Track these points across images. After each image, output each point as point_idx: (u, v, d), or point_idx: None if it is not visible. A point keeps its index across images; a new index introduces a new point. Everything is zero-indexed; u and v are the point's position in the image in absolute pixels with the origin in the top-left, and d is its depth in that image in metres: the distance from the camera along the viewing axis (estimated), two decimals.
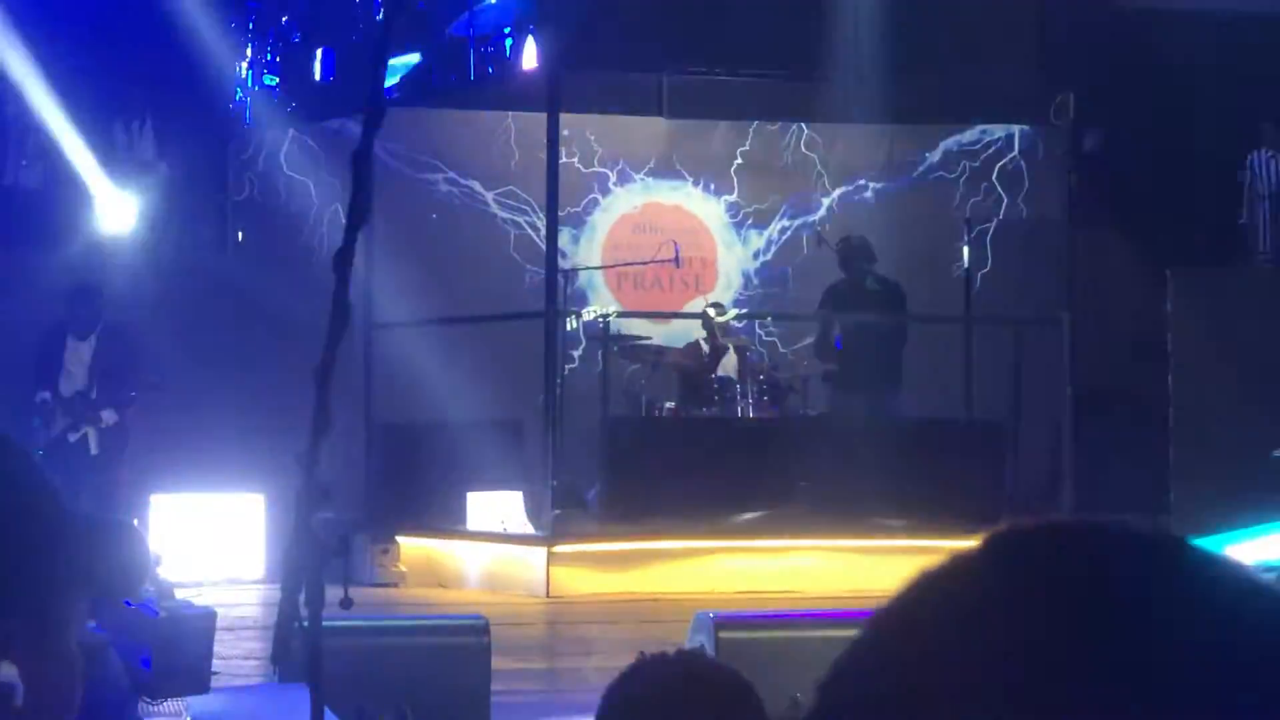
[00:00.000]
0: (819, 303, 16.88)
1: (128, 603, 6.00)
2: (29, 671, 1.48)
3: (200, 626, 8.49)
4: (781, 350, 17.40)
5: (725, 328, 16.44)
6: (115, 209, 16.75)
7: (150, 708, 7.52)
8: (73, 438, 14.45)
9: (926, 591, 0.96)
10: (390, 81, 15.61)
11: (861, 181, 18.08)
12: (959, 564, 0.97)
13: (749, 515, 15.19)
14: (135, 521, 14.27)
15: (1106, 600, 0.91)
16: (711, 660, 2.91)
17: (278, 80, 17.70)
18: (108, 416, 14.54)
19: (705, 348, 16.33)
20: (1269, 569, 15.38)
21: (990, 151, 17.65)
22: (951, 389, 17.03)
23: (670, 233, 17.48)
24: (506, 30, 15.56)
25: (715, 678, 2.88)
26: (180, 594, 14.15)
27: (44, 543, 1.52)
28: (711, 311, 16.55)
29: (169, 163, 17.15)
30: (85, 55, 16.69)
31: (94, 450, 14.50)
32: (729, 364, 16.18)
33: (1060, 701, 0.89)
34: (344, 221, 3.38)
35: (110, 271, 15.28)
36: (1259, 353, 15.85)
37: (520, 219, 17.56)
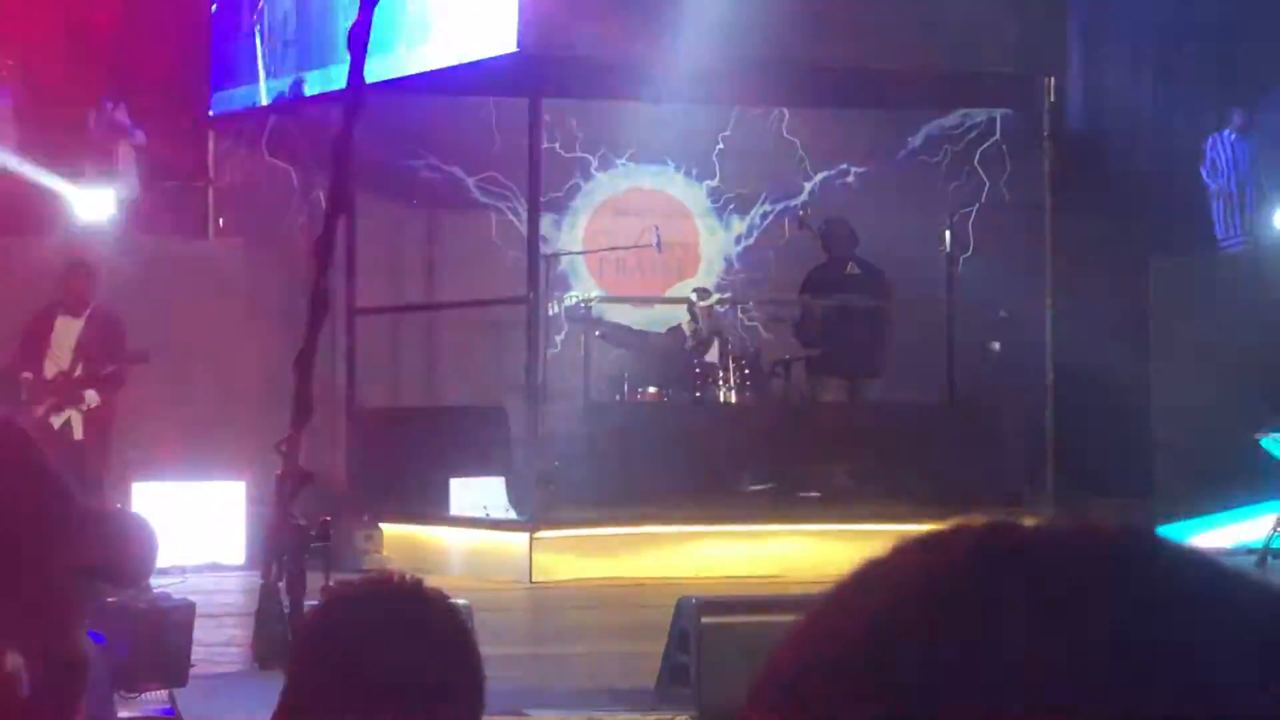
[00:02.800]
0: (800, 287, 16.89)
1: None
2: (35, 660, 1.48)
3: (179, 619, 8.46)
4: (764, 335, 17.41)
5: (709, 313, 16.45)
6: (95, 194, 16.71)
7: (129, 698, 7.50)
8: (56, 422, 14.40)
9: (861, 586, 0.95)
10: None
11: (844, 166, 18.08)
12: (897, 559, 0.96)
13: (733, 500, 15.20)
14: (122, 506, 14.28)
15: (1053, 605, 0.91)
16: (408, 581, 2.74)
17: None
18: (90, 397, 14.50)
19: (688, 332, 16.34)
20: (1251, 550, 15.41)
21: (972, 136, 17.65)
22: (934, 373, 17.04)
23: (652, 218, 17.47)
24: None
25: (413, 598, 2.73)
26: (160, 582, 14.17)
27: (49, 529, 1.51)
28: (694, 296, 16.56)
29: (147, 139, 17.08)
30: (62, 40, 16.64)
31: (78, 435, 14.47)
32: (711, 349, 16.19)
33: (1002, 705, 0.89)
34: (325, 208, 3.38)
35: (91, 255, 15.25)
36: (1239, 337, 15.87)
37: (502, 204, 17.55)
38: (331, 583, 2.89)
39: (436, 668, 2.56)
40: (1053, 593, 0.91)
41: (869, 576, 0.95)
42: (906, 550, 0.96)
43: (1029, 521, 0.98)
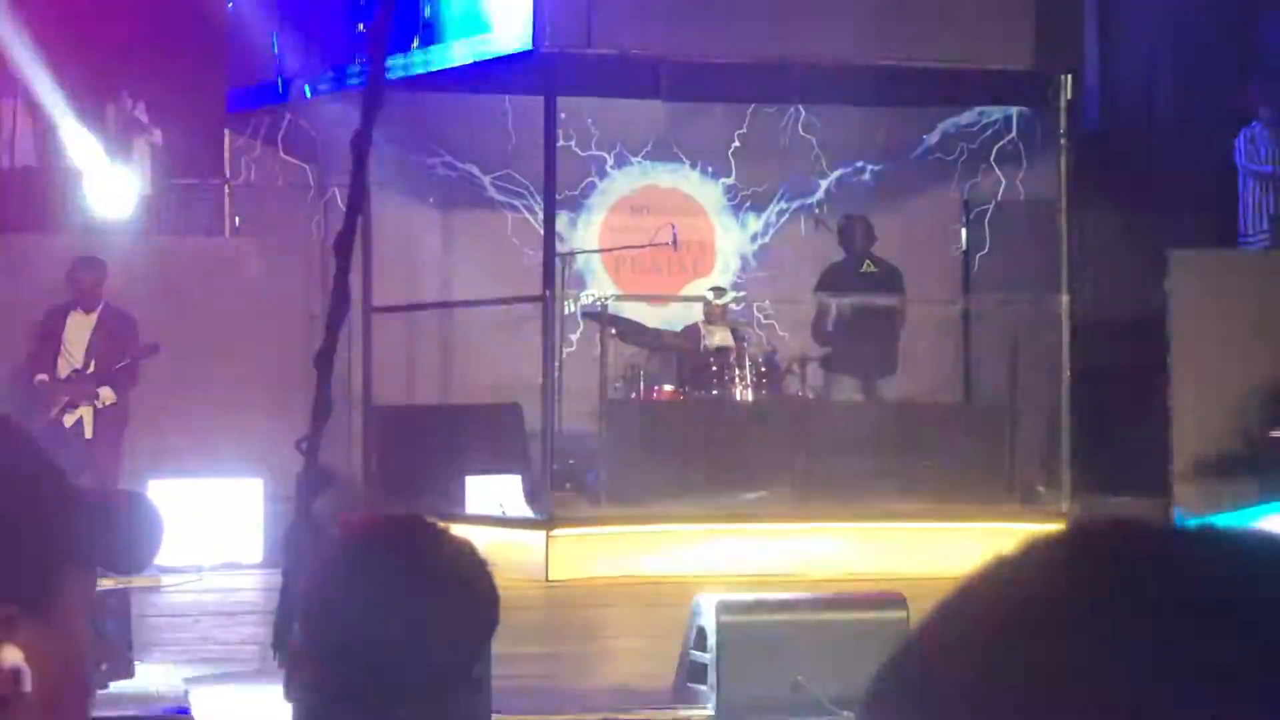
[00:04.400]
0: (816, 285, 16.87)
1: None
2: (36, 654, 1.47)
3: (115, 608, 8.38)
4: (780, 333, 17.39)
5: (724, 311, 16.44)
6: (112, 190, 16.72)
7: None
8: (68, 420, 14.41)
9: (995, 580, 0.94)
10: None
11: (859, 164, 18.06)
12: (1031, 556, 0.95)
13: (749, 498, 15.19)
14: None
15: (1192, 602, 0.89)
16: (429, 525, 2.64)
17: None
18: (105, 394, 14.50)
19: (704, 330, 16.33)
20: None
21: (988, 133, 17.62)
22: (950, 371, 17.02)
23: (668, 216, 17.45)
24: None
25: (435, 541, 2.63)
26: (175, 581, 14.19)
27: (43, 520, 1.50)
28: (710, 295, 16.55)
29: (164, 136, 17.10)
30: (80, 35, 16.65)
31: (89, 434, 14.46)
32: (727, 347, 16.17)
33: (1133, 704, 0.87)
34: (343, 206, 3.36)
35: (108, 253, 15.27)
36: (1258, 333, 15.83)
37: (518, 202, 17.55)
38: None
39: (447, 626, 2.50)
40: (1188, 596, 0.90)
41: (998, 574, 0.95)
42: (1035, 549, 0.95)
43: (1150, 519, 0.97)
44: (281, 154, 17.49)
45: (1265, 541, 0.94)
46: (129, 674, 8.31)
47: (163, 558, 15.51)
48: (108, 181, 16.60)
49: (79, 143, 16.32)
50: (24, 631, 1.43)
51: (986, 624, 0.92)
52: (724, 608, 9.13)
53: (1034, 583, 0.93)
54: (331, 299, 2.83)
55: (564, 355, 15.82)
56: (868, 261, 16.62)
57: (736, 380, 15.84)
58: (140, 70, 17.01)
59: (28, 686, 1.44)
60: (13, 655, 1.42)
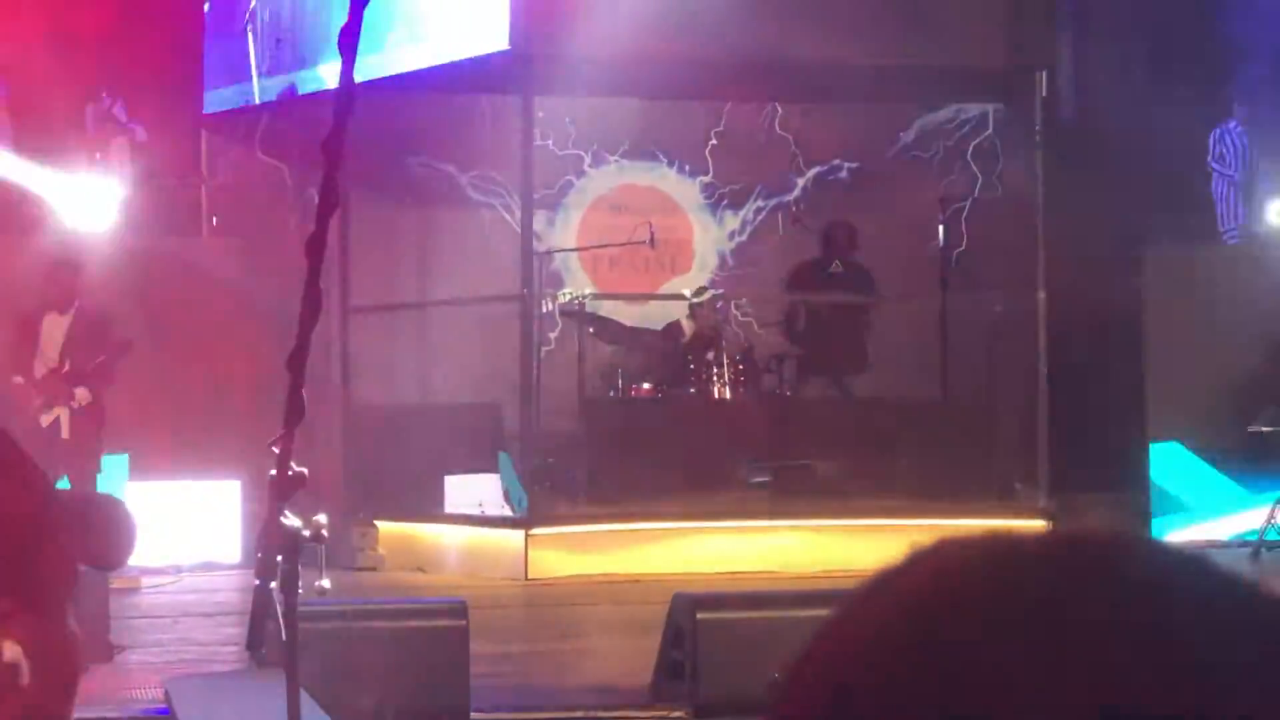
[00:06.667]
0: (786, 283, 16.93)
1: None
2: (31, 649, 1.50)
3: (91, 589, 8.36)
4: (757, 330, 17.41)
5: (707, 310, 16.46)
6: (88, 192, 16.69)
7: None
8: (44, 421, 14.36)
9: (881, 593, 0.99)
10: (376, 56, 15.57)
11: (836, 161, 18.08)
12: (910, 574, 0.99)
13: (728, 495, 15.22)
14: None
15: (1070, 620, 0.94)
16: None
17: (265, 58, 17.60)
18: (81, 395, 14.45)
19: (686, 330, 16.35)
20: (1246, 542, 15.44)
21: (965, 130, 17.64)
22: (927, 368, 17.05)
23: (645, 214, 17.46)
24: None
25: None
26: (156, 581, 14.17)
27: (37, 526, 1.53)
28: (687, 293, 16.57)
29: (143, 133, 17.08)
30: (57, 34, 16.62)
31: (65, 434, 14.42)
32: (709, 345, 16.19)
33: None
34: (316, 206, 3.37)
35: (84, 253, 15.23)
36: (1233, 330, 15.89)
37: (495, 202, 17.54)
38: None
39: None
40: (1042, 595, 0.95)
41: (884, 583, 1.00)
42: (916, 559, 1.00)
43: (1025, 531, 1.03)
44: (259, 154, 17.47)
45: (1120, 542, 0.99)
46: (108, 658, 8.31)
47: (141, 558, 15.54)
48: (80, 190, 16.54)
49: (40, 173, 16.22)
50: (20, 627, 1.46)
51: (888, 629, 0.96)
52: (702, 605, 9.16)
53: (904, 595, 0.97)
54: (303, 302, 2.85)
55: (542, 354, 15.83)
56: (836, 261, 16.70)
57: (714, 378, 15.87)
58: (116, 71, 16.98)
59: (25, 680, 1.46)
60: (12, 651, 1.45)
